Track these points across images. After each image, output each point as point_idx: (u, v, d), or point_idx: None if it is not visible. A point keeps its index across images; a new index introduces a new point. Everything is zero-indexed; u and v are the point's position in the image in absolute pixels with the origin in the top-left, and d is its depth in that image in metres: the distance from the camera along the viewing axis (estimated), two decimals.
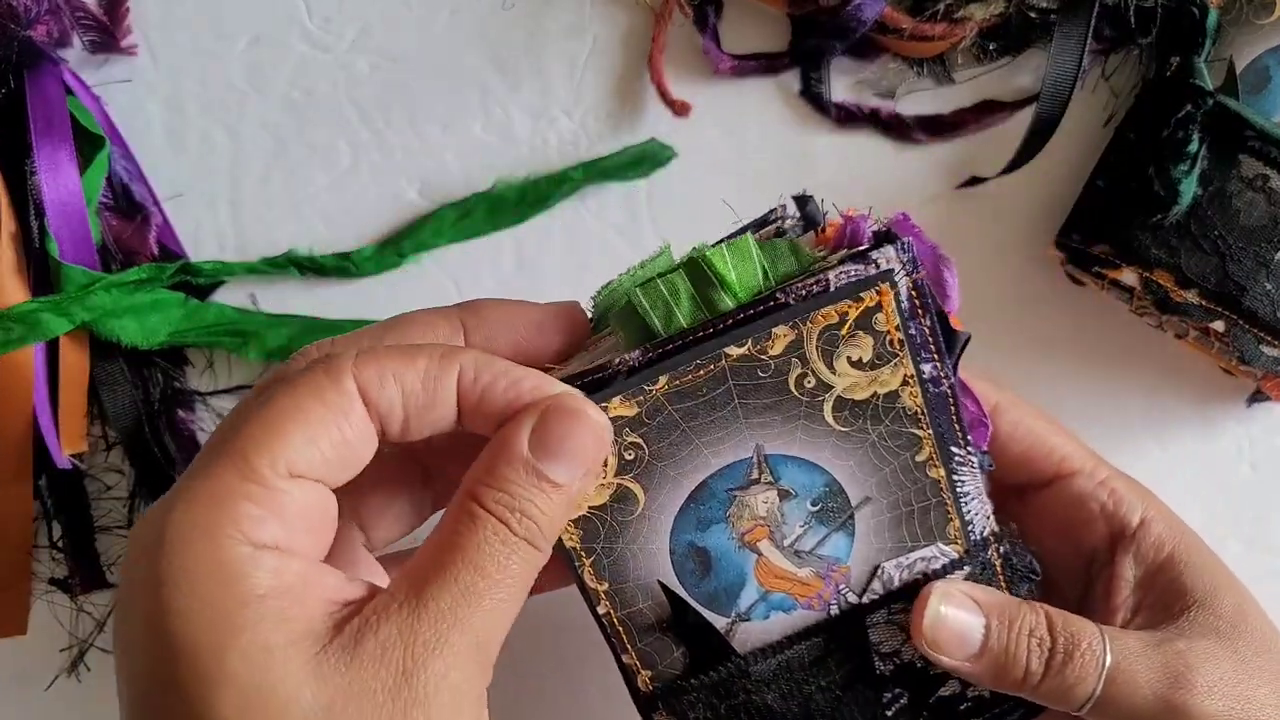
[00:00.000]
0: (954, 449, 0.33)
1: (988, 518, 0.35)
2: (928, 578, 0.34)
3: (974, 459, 0.34)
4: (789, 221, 0.33)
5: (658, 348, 0.30)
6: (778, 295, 0.30)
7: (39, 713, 0.48)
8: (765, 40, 0.48)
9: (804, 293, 0.30)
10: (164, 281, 0.46)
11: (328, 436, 0.28)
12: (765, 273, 0.31)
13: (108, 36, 0.46)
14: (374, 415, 0.28)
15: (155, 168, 0.47)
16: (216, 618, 0.26)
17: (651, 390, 0.31)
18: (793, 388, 0.31)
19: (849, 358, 0.31)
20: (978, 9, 0.46)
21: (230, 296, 0.48)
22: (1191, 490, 0.48)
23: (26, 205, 0.43)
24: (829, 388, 0.32)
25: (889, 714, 0.36)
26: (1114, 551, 0.37)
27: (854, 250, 0.31)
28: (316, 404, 0.27)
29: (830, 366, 0.31)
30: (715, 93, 0.47)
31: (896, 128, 0.47)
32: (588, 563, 0.33)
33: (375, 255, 0.47)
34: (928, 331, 0.32)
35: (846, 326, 0.31)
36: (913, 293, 0.31)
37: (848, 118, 0.48)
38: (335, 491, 0.29)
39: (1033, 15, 0.46)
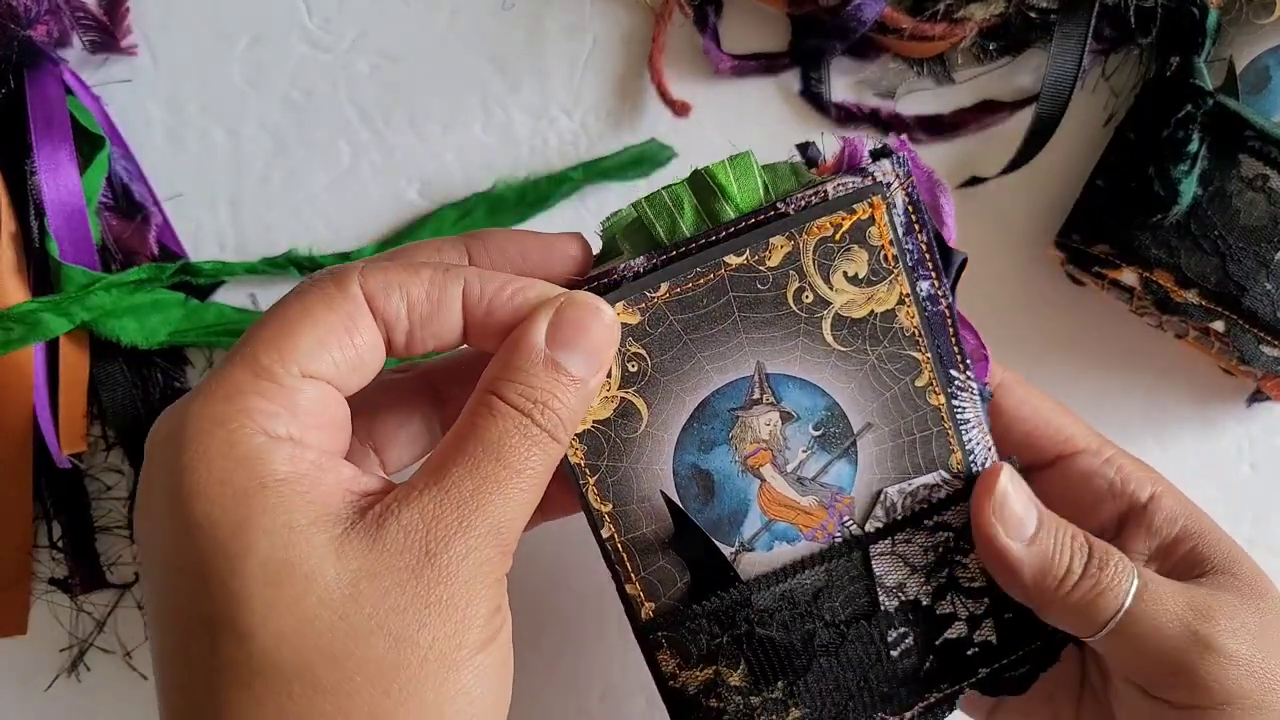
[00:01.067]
0: (953, 372, 0.34)
1: (989, 448, 0.35)
2: (932, 506, 0.34)
3: (974, 385, 0.34)
4: (791, 159, 0.34)
5: (661, 255, 0.31)
6: (777, 206, 0.31)
7: (39, 713, 0.48)
8: (765, 40, 0.48)
9: (802, 203, 0.31)
10: (164, 281, 0.46)
11: (336, 341, 0.28)
12: (766, 189, 0.32)
13: (108, 36, 0.46)
14: (380, 324, 0.29)
15: (155, 168, 0.47)
16: (238, 497, 0.26)
17: (654, 298, 0.31)
18: (791, 302, 0.32)
19: (845, 272, 0.32)
20: (978, 9, 0.46)
21: (230, 296, 0.48)
22: (1191, 490, 0.48)
23: (26, 205, 0.44)
24: (827, 304, 0.32)
25: (894, 654, 0.35)
26: (1123, 527, 0.37)
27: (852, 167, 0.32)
28: (325, 310, 0.28)
29: (827, 281, 0.32)
30: (715, 93, 0.48)
31: (896, 128, 0.48)
32: (592, 481, 0.33)
33: (375, 255, 0.47)
34: (924, 248, 0.32)
35: (840, 236, 0.31)
36: (908, 207, 0.32)
37: (848, 118, 0.48)
38: (351, 413, 0.30)
39: (1033, 15, 0.46)
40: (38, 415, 0.44)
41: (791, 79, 0.48)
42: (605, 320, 0.30)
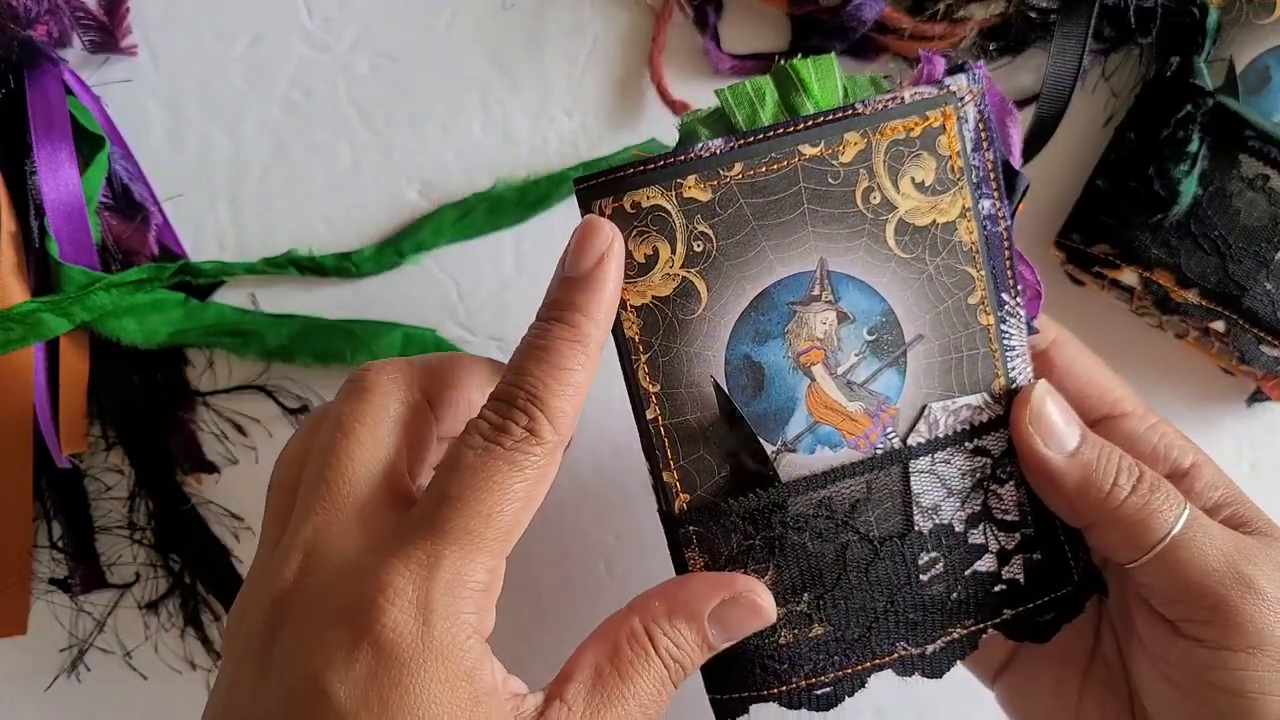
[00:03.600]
0: (1004, 296, 0.34)
1: (1030, 380, 0.35)
2: (973, 429, 0.34)
3: (1022, 313, 0.34)
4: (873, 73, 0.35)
5: (739, 139, 0.32)
6: (854, 106, 0.32)
7: (39, 713, 0.48)
8: (765, 40, 0.48)
9: (879, 105, 0.32)
10: (164, 281, 0.46)
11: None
12: (845, 93, 0.33)
13: (108, 36, 0.46)
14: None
15: (155, 168, 0.47)
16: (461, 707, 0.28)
17: (726, 177, 0.32)
18: (859, 201, 0.32)
19: (912, 178, 0.33)
20: (978, 9, 0.46)
21: (230, 296, 0.48)
22: None
23: (26, 205, 0.44)
24: (893, 207, 0.33)
25: (923, 578, 0.34)
26: None
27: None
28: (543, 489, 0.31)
29: (895, 184, 0.33)
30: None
31: None
32: (644, 359, 0.33)
33: (375, 255, 0.47)
34: (989, 166, 0.33)
35: (912, 142, 0.32)
36: (979, 124, 0.33)
37: None
38: (427, 396, 0.34)
39: (1033, 15, 0.46)
40: (38, 415, 0.44)
41: None
42: (766, 618, 0.33)
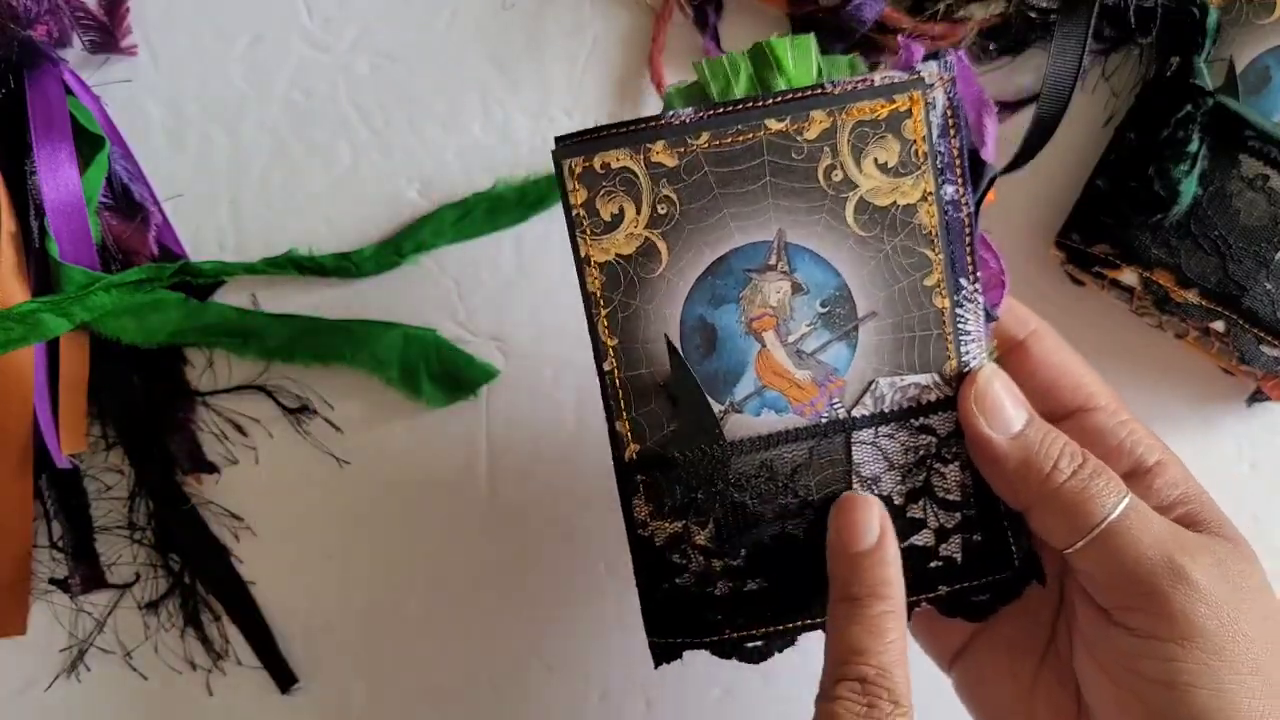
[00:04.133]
0: (962, 281, 0.35)
1: (980, 367, 0.36)
2: (920, 407, 0.35)
3: (980, 299, 0.35)
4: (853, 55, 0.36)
5: (708, 109, 0.33)
6: (824, 85, 0.33)
7: (39, 713, 0.48)
8: None
9: (848, 87, 0.33)
10: (164, 281, 0.46)
11: None
12: (820, 73, 0.34)
13: (108, 36, 0.46)
14: None
15: (155, 168, 0.47)
16: None
17: (693, 145, 0.33)
18: (821, 178, 0.34)
19: (875, 159, 0.34)
20: (978, 9, 0.46)
21: (230, 296, 0.48)
22: None
23: (26, 205, 0.44)
24: (854, 185, 0.34)
25: None
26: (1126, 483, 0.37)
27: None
28: None
29: (858, 164, 0.34)
30: None
31: None
32: (604, 313, 0.34)
33: (375, 255, 0.47)
34: (955, 153, 0.34)
35: (877, 124, 0.33)
36: (948, 111, 0.34)
37: None
38: None
39: (1033, 15, 0.46)
40: (38, 415, 0.44)
41: None
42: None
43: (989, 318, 0.35)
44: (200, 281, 0.47)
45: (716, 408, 0.35)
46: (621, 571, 0.48)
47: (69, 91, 0.45)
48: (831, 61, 0.35)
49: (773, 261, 0.34)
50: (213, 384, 0.48)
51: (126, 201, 0.46)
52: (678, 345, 0.34)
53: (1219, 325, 0.44)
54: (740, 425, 0.35)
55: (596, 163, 0.33)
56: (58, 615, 0.48)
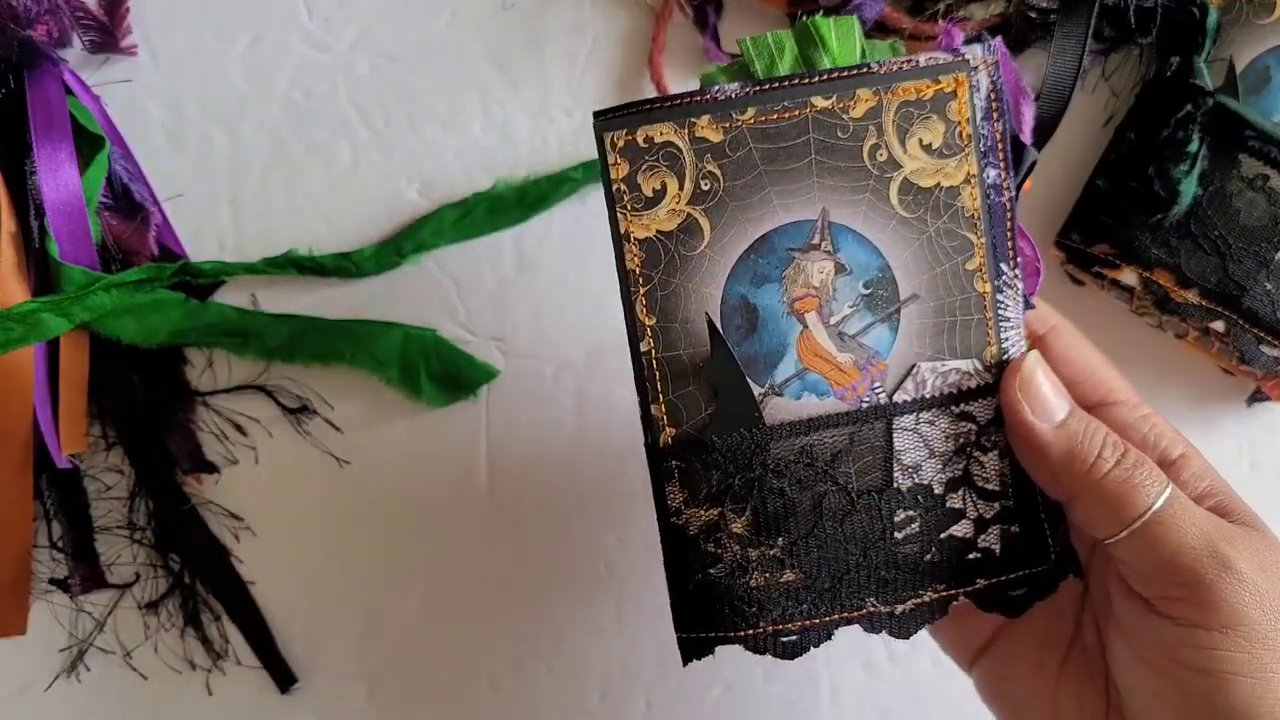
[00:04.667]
0: (1003, 266, 0.34)
1: (1023, 353, 0.35)
2: (960, 394, 0.35)
3: (1019, 285, 0.35)
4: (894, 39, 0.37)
5: (754, 85, 0.33)
6: (870, 65, 0.33)
7: (39, 713, 0.48)
8: None
9: (894, 67, 0.33)
10: (164, 281, 0.46)
11: None
12: (864, 54, 0.34)
13: (108, 36, 0.46)
14: None
15: (155, 168, 0.47)
16: None
17: (738, 120, 0.33)
18: (865, 157, 0.33)
19: (920, 139, 0.33)
20: (978, 9, 0.46)
21: (230, 296, 0.48)
22: None
23: (26, 205, 0.44)
24: (898, 166, 0.33)
25: (898, 536, 0.35)
26: None
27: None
28: None
29: (903, 144, 0.33)
30: None
31: None
32: (643, 291, 0.34)
33: (375, 255, 0.47)
34: (998, 136, 0.34)
35: (923, 104, 0.33)
36: (991, 94, 0.33)
37: None
38: None
39: (1033, 15, 0.46)
40: (38, 415, 0.44)
41: None
42: None
43: (1027, 304, 0.35)
44: (200, 281, 0.47)
45: (756, 390, 0.34)
46: (620, 571, 0.48)
47: (69, 91, 0.45)
48: (873, 45, 0.35)
49: (816, 240, 0.34)
50: (213, 384, 0.48)
51: (126, 201, 0.46)
52: (718, 325, 0.34)
53: (1219, 325, 0.44)
54: (780, 408, 0.34)
55: (639, 136, 0.33)
56: (58, 615, 0.48)
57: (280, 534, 0.48)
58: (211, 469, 0.48)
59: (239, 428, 0.48)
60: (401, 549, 0.48)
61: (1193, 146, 0.43)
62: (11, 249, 0.44)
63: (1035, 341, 0.38)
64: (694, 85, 0.47)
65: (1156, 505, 0.33)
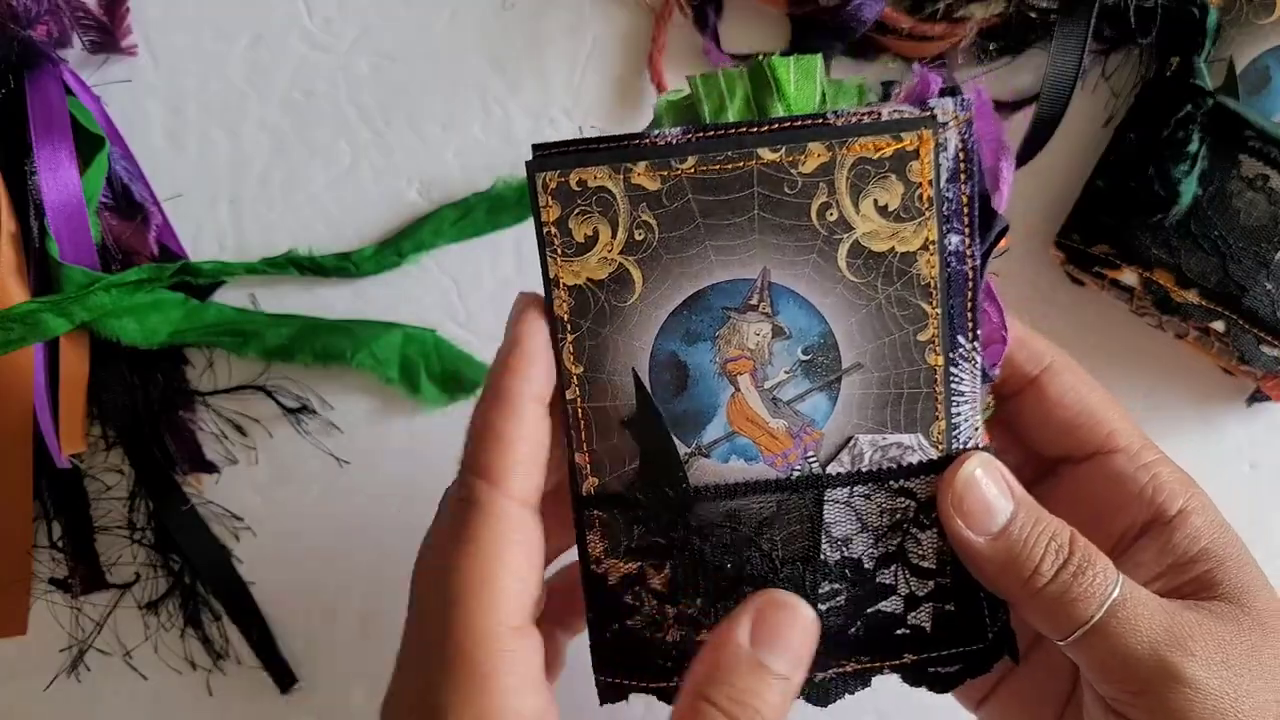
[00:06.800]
0: (960, 338, 0.32)
1: (976, 429, 0.33)
2: (900, 470, 0.33)
3: (978, 359, 0.32)
4: (862, 78, 0.33)
5: (697, 131, 0.31)
6: (826, 115, 0.30)
7: (39, 713, 0.48)
8: (765, 40, 0.48)
9: (852, 119, 0.30)
10: (164, 281, 0.46)
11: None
12: (824, 99, 0.32)
13: (108, 36, 0.46)
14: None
15: (155, 168, 0.47)
16: None
17: (678, 169, 0.31)
18: (814, 216, 0.31)
19: (875, 200, 0.31)
20: (978, 9, 0.46)
21: (230, 296, 0.48)
22: None
23: (26, 205, 0.44)
24: (849, 228, 0.31)
25: (821, 608, 0.33)
26: (1140, 537, 0.35)
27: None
28: (509, 547, 0.31)
29: (855, 204, 0.31)
30: None
31: None
32: (570, 339, 0.32)
33: (375, 255, 0.47)
34: (964, 200, 0.31)
35: (880, 163, 0.31)
36: (960, 154, 0.31)
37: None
38: None
39: (1033, 15, 0.46)
40: (38, 415, 0.44)
41: None
42: (805, 620, 0.32)
43: (985, 378, 0.33)
44: (200, 281, 0.47)
45: (682, 449, 0.33)
46: None
47: (69, 91, 0.45)
48: (838, 86, 0.32)
49: (754, 301, 0.32)
50: (213, 384, 0.48)
51: (126, 201, 0.46)
52: (646, 380, 0.32)
53: (1219, 325, 0.44)
54: (706, 470, 0.33)
55: (573, 179, 0.31)
56: (57, 615, 0.48)
57: (280, 534, 0.48)
58: (211, 469, 0.48)
59: (239, 428, 0.48)
60: (401, 549, 0.48)
61: (1193, 146, 0.43)
62: (11, 249, 0.44)
63: (1028, 384, 0.36)
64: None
65: (1098, 616, 0.31)
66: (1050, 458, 0.37)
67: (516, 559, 0.31)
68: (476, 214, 0.47)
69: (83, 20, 0.46)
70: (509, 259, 0.48)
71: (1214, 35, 0.44)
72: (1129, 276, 0.45)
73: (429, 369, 0.47)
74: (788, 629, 0.31)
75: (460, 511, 0.31)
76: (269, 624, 0.48)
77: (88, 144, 0.45)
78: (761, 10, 0.47)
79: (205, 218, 0.48)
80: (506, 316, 0.49)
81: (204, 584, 0.48)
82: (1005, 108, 0.47)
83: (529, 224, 0.48)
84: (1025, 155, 0.46)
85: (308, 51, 0.48)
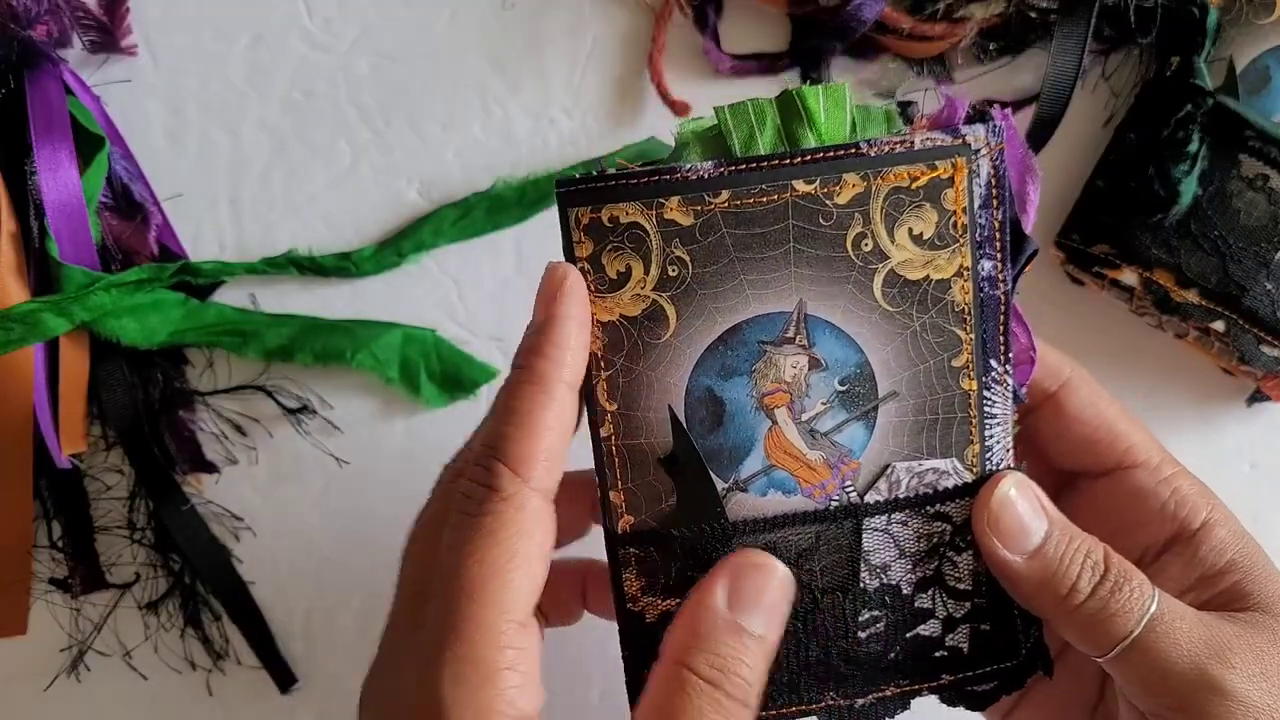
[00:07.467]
0: (992, 362, 0.32)
1: (1008, 450, 0.33)
2: (937, 494, 0.33)
3: (1010, 380, 0.33)
4: (890, 103, 0.33)
5: (730, 164, 0.30)
6: (859, 145, 0.30)
7: (39, 713, 0.48)
8: (765, 40, 0.48)
9: (885, 148, 0.30)
10: (164, 281, 0.46)
11: (541, 574, 0.31)
12: (854, 127, 0.31)
13: (108, 36, 0.46)
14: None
15: (155, 168, 0.47)
16: None
17: (711, 202, 0.30)
18: (849, 247, 0.31)
19: (910, 229, 0.31)
20: (978, 9, 0.46)
21: (230, 296, 0.48)
22: None
23: (26, 205, 0.44)
24: (885, 257, 0.31)
25: (861, 635, 0.34)
26: (1166, 551, 0.35)
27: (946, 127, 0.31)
28: (527, 542, 0.30)
29: (890, 234, 0.31)
30: (715, 93, 0.47)
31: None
32: (604, 376, 0.32)
33: (375, 255, 0.47)
34: (996, 226, 0.31)
35: (916, 189, 0.30)
36: (992, 179, 0.31)
37: None
38: None
39: (1033, 15, 0.46)
40: (38, 415, 0.44)
41: (791, 79, 0.48)
42: (781, 576, 0.31)
43: (1016, 399, 0.33)
44: (200, 281, 0.47)
45: (720, 485, 0.32)
46: None
47: (69, 91, 0.45)
48: (866, 113, 0.32)
49: (791, 334, 0.32)
50: (213, 384, 0.48)
51: (126, 201, 0.46)
52: (681, 417, 0.32)
53: (1219, 325, 0.44)
54: (744, 505, 0.32)
55: (605, 215, 0.30)
56: (57, 615, 0.48)
57: (280, 534, 0.48)
58: (211, 469, 0.48)
59: (239, 428, 0.48)
60: (401, 549, 0.48)
61: (1193, 146, 0.43)
62: (11, 249, 0.44)
63: (1047, 400, 0.36)
64: (690, 87, 0.47)
65: (1137, 631, 0.31)
66: (1068, 471, 0.37)
67: (532, 555, 0.30)
68: (476, 214, 0.47)
69: (83, 20, 0.46)
70: (509, 259, 0.48)
71: (1214, 35, 0.44)
72: (1129, 276, 0.45)
73: (429, 369, 0.47)
74: (764, 589, 0.31)
75: (482, 500, 0.30)
76: (269, 624, 0.48)
77: (88, 144, 0.45)
78: (761, 10, 0.47)
79: (205, 218, 0.48)
80: (506, 317, 0.49)
81: (204, 584, 0.48)
82: (1005, 108, 0.47)
83: (529, 224, 0.48)
84: None
85: (308, 51, 0.48)
